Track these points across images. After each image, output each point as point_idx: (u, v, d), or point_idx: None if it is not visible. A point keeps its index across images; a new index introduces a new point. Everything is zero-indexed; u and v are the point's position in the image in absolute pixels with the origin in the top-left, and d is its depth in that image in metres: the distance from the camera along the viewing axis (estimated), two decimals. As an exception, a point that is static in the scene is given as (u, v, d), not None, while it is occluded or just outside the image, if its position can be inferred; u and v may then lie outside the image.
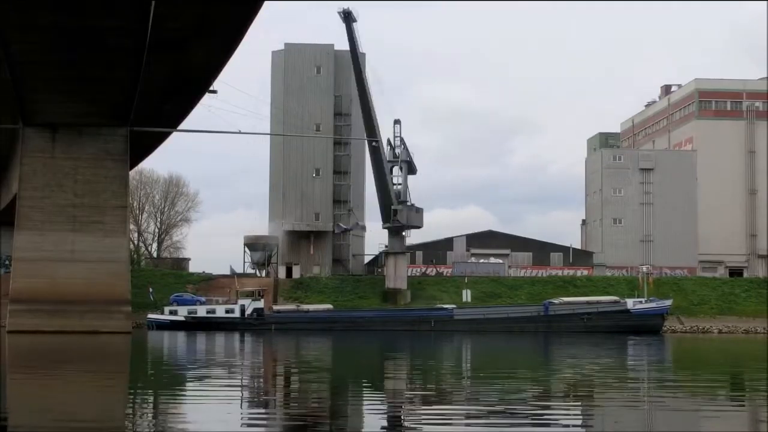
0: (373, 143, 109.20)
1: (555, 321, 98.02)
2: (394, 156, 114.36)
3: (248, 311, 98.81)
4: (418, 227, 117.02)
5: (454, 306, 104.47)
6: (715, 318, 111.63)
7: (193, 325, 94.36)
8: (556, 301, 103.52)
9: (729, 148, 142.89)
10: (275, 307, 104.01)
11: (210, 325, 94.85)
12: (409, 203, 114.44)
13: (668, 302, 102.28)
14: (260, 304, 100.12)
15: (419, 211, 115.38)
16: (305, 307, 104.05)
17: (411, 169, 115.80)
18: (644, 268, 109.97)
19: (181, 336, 74.06)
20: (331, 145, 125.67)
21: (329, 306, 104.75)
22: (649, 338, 79.49)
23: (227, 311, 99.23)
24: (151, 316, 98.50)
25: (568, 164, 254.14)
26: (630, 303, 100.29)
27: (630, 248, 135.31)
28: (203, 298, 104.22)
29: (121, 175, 72.81)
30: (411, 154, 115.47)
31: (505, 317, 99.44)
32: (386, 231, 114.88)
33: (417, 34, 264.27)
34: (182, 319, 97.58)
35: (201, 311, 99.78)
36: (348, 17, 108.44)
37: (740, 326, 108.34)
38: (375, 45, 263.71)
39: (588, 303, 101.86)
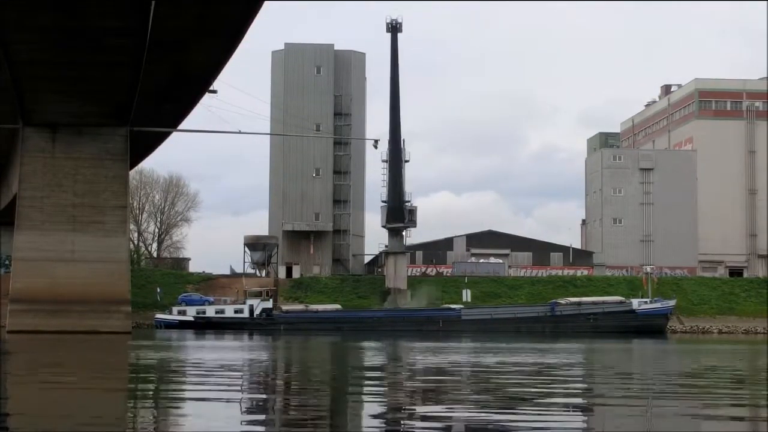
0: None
1: (562, 321, 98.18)
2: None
3: (257, 311, 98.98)
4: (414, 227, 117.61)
5: (461, 306, 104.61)
6: (715, 318, 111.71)
7: (201, 325, 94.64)
8: (562, 301, 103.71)
9: (729, 148, 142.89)
10: (284, 307, 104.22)
11: (219, 325, 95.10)
12: (409, 202, 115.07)
13: (672, 302, 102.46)
14: (269, 304, 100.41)
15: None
16: (314, 307, 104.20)
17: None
18: (648, 268, 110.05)
19: (189, 336, 74.29)
20: (331, 145, 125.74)
21: (338, 306, 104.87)
22: (656, 338, 79.50)
23: (236, 311, 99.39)
24: (159, 316, 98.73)
25: (570, 157, 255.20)
26: (635, 303, 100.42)
27: (630, 248, 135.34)
28: (212, 298, 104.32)
29: (121, 175, 72.73)
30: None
31: (512, 317, 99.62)
32: (386, 231, 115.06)
33: (418, 27, 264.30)
34: (191, 319, 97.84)
35: (210, 311, 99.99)
36: (395, 28, 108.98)
37: (740, 326, 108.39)
38: (374, 42, 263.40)
39: (594, 303, 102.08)
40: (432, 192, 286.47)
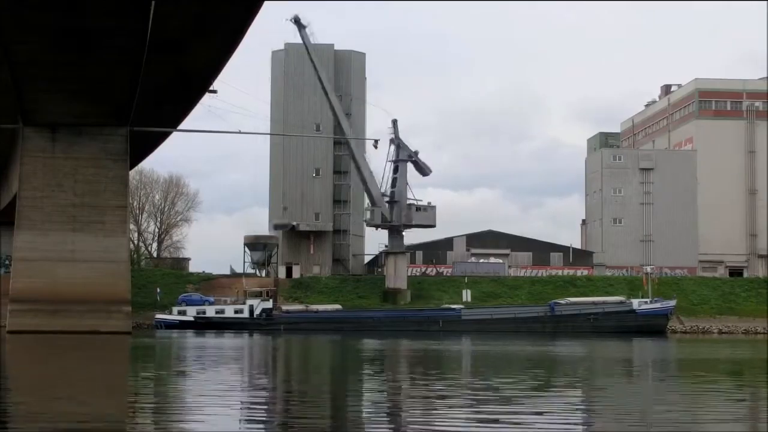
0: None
1: (562, 321, 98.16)
2: (397, 155, 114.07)
3: (257, 311, 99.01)
4: (431, 226, 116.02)
5: (462, 306, 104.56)
6: (715, 318, 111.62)
7: (201, 325, 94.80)
8: (562, 301, 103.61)
9: (729, 148, 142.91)
10: (284, 307, 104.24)
11: (219, 325, 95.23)
12: (412, 201, 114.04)
13: (672, 302, 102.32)
14: (269, 304, 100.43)
15: (422, 209, 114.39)
16: (314, 307, 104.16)
17: (423, 171, 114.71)
18: (648, 269, 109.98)
19: (190, 336, 74.42)
20: (331, 145, 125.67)
21: (338, 306, 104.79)
22: (656, 338, 79.52)
23: (236, 311, 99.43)
24: (159, 316, 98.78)
25: (573, 152, 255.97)
26: (635, 303, 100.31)
27: (630, 248, 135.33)
28: (212, 298, 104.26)
29: (121, 175, 72.75)
30: (414, 153, 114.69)
31: (512, 317, 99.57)
32: (386, 231, 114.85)
33: (419, 20, 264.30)
34: (191, 319, 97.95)
35: (210, 311, 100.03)
36: (298, 23, 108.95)
37: (740, 326, 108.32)
38: (374, 37, 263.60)
39: (594, 303, 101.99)
40: (432, 189, 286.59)
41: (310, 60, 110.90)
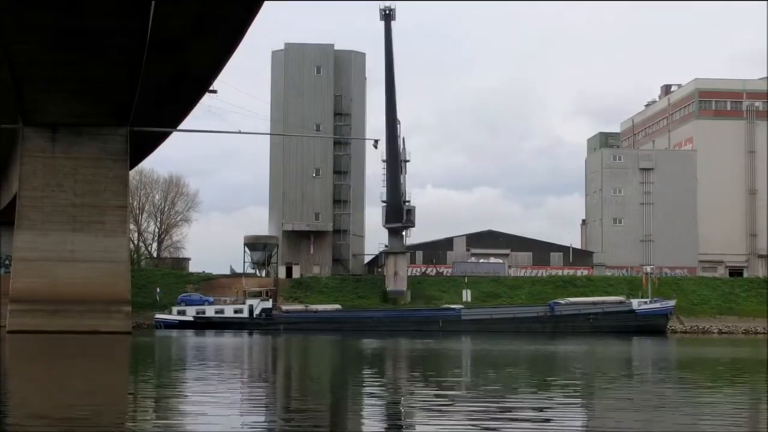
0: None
1: (561, 321, 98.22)
2: (399, 156, 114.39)
3: (257, 311, 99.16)
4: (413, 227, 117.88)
5: (461, 306, 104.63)
6: (715, 318, 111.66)
7: (201, 325, 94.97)
8: (562, 301, 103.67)
9: (729, 148, 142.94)
10: (284, 307, 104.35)
11: (218, 324, 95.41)
12: (408, 202, 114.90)
13: (672, 302, 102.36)
14: (268, 304, 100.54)
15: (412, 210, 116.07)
16: (314, 307, 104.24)
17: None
18: (648, 269, 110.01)
19: (189, 335, 74.53)
20: (331, 145, 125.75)
21: (337, 306, 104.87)
22: (656, 338, 79.56)
23: (236, 311, 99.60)
24: (159, 316, 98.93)
25: (573, 151, 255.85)
26: (635, 303, 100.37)
27: (630, 248, 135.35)
28: (211, 298, 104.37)
29: (121, 175, 72.79)
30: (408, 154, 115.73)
31: (512, 317, 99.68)
32: (386, 231, 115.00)
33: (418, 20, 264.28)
34: (191, 319, 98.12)
35: (209, 311, 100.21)
36: (388, 16, 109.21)
37: (740, 326, 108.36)
38: (374, 37, 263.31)
39: (594, 303, 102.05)
40: (432, 188, 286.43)
41: (387, 59, 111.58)
